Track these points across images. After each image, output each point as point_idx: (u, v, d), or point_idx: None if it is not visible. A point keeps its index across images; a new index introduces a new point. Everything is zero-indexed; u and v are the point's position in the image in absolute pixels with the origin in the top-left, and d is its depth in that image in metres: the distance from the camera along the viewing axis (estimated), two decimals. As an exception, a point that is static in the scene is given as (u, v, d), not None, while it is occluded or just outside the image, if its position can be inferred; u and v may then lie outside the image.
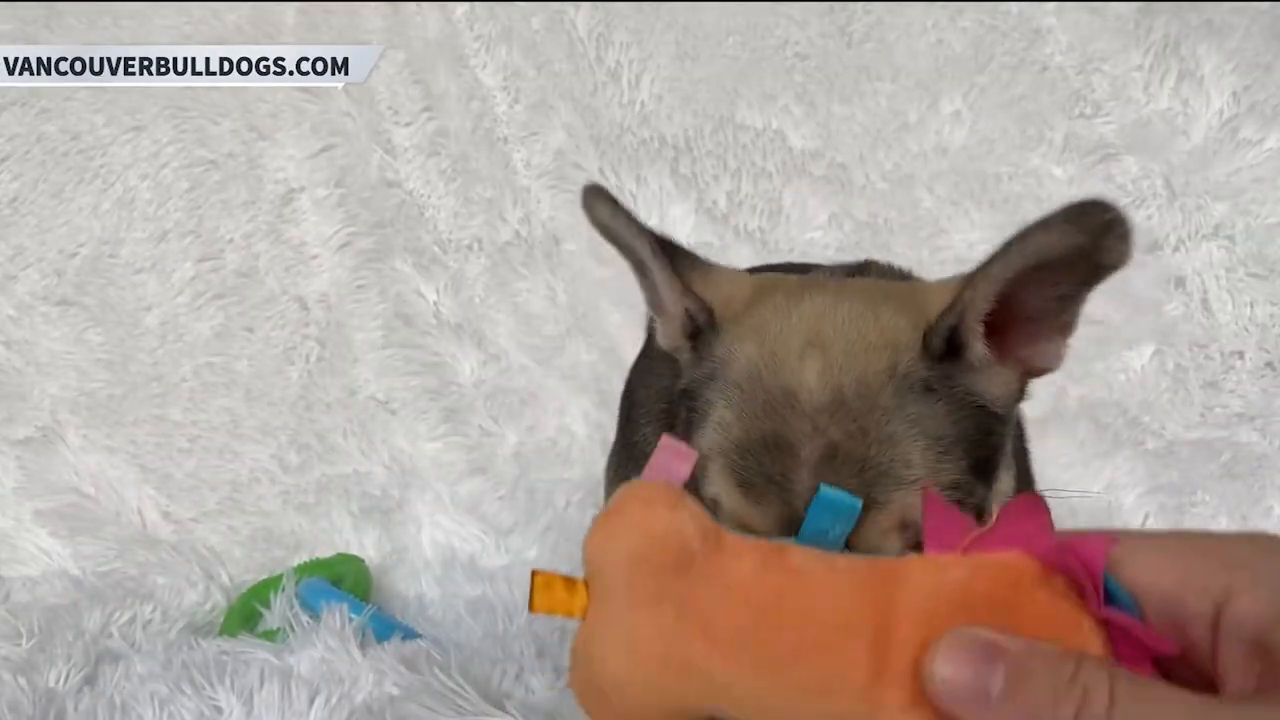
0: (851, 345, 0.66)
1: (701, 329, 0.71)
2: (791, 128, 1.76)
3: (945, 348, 0.66)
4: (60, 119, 1.72)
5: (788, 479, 0.63)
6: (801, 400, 0.64)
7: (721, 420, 0.66)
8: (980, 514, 0.66)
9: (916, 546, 0.54)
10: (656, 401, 1.08)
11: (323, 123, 1.75)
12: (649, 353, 1.16)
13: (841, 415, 0.63)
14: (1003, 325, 0.66)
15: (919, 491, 0.61)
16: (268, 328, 1.70)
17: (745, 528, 0.64)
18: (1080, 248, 0.58)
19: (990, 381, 0.67)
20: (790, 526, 0.62)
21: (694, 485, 0.65)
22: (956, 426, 0.65)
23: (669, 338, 0.75)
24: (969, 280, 0.64)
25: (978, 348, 0.66)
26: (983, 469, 0.67)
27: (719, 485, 0.65)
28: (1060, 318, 0.66)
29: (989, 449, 0.67)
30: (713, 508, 0.65)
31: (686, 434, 0.71)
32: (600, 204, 0.69)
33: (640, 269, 0.74)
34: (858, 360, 0.65)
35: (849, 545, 0.61)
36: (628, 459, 1.15)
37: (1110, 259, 0.59)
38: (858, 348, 0.65)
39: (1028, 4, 1.75)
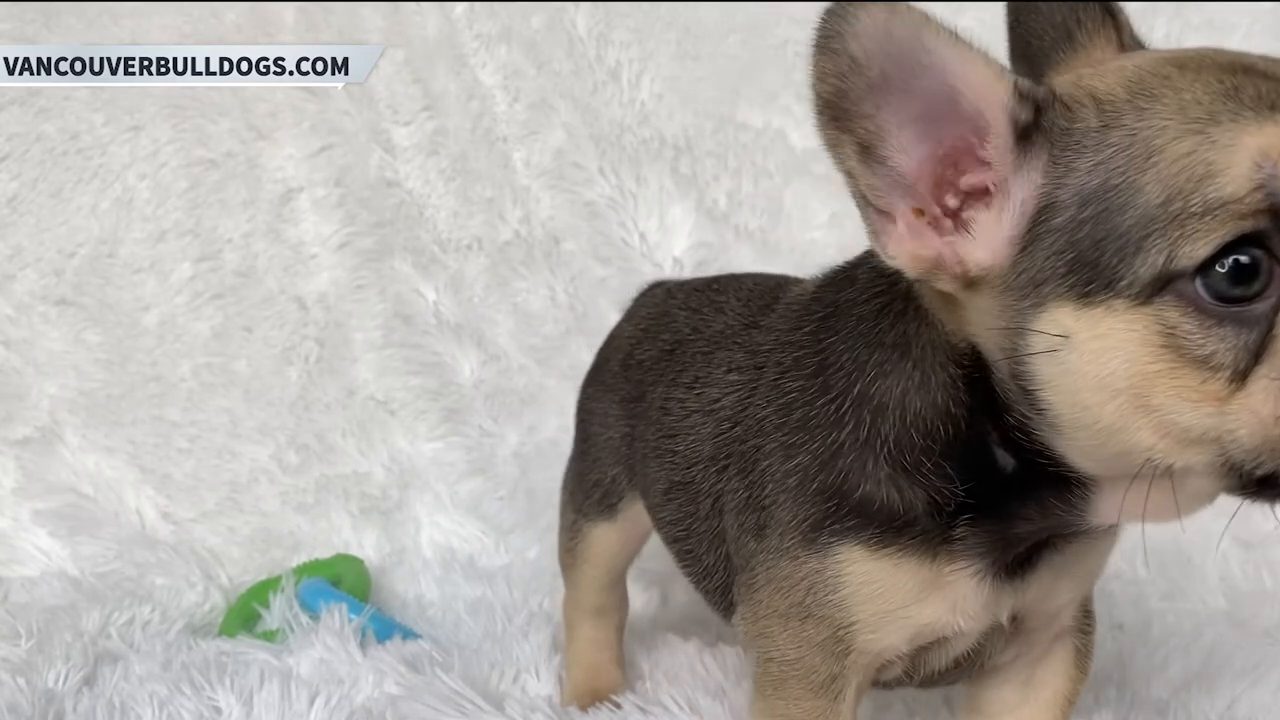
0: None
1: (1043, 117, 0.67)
2: (792, 127, 1.75)
3: None
4: (60, 119, 1.72)
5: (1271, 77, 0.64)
6: (1207, 52, 0.68)
7: (1186, 115, 0.64)
8: None
9: None
10: (615, 443, 1.05)
11: (322, 122, 1.75)
12: (600, 370, 1.12)
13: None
14: None
15: None
16: (266, 328, 1.70)
17: None
18: None
19: None
20: None
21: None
22: None
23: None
24: None
25: None
26: None
27: (1249, 132, 0.61)
28: None
29: None
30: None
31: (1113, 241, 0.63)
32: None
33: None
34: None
35: None
36: (580, 489, 1.11)
37: None
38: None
39: (1028, 4, 1.75)
